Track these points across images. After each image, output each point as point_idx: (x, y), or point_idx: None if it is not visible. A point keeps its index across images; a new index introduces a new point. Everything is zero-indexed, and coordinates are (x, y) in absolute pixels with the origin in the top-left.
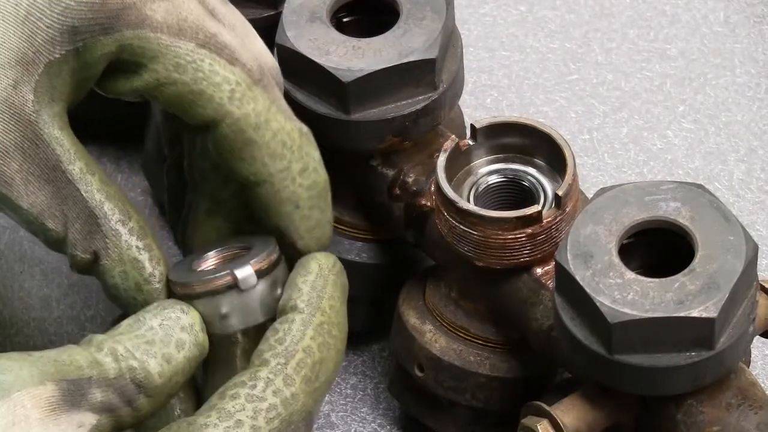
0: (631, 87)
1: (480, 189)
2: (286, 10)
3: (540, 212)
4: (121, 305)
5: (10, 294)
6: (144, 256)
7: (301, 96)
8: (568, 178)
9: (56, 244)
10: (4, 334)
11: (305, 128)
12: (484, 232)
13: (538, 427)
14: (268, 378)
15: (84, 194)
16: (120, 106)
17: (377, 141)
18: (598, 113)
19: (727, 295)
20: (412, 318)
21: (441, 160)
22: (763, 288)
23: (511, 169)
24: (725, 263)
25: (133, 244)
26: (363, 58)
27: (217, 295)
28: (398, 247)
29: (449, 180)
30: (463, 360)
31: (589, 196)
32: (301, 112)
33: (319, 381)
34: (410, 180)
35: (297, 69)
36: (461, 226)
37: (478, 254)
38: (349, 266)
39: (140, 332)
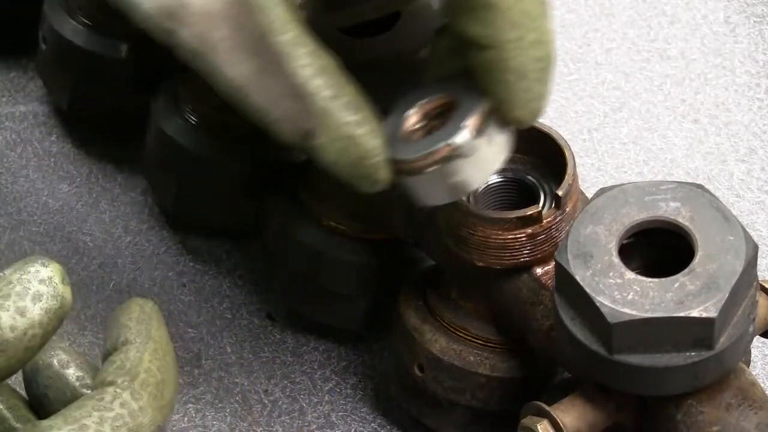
0: (631, 87)
1: (480, 189)
2: None
3: (540, 212)
4: (339, 178)
5: None
6: (360, 131)
7: None
8: (568, 178)
9: (256, 118)
10: None
11: None
12: (484, 232)
13: (538, 427)
14: (115, 392)
15: (292, 69)
16: (121, 103)
17: None
18: (598, 113)
19: (727, 295)
20: (412, 318)
21: None
22: (763, 288)
23: (511, 169)
24: (725, 263)
25: (348, 120)
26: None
27: (440, 166)
28: (398, 247)
29: None
30: (463, 360)
31: (589, 196)
32: None
33: (165, 399)
34: None
35: None
36: (461, 226)
37: (478, 254)
38: (349, 266)
39: None
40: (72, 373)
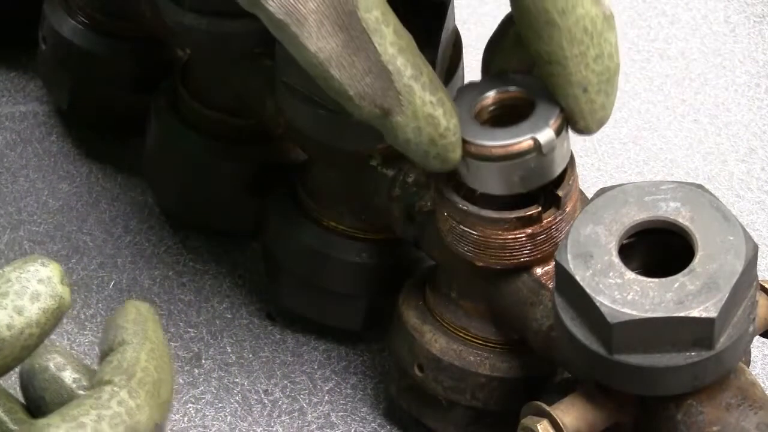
0: (631, 87)
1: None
2: None
3: (540, 212)
4: (409, 155)
5: None
6: (438, 111)
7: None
8: (568, 178)
9: (335, 93)
10: None
11: (609, 11)
12: (484, 232)
13: (538, 427)
14: (113, 390)
15: (377, 47)
16: (121, 103)
17: (377, 141)
18: None
19: (727, 295)
20: (412, 318)
21: None
22: (763, 288)
23: None
24: (725, 263)
25: (427, 100)
26: None
27: (516, 159)
28: (398, 247)
29: (449, 180)
30: (463, 360)
31: (589, 196)
32: (300, 110)
33: (162, 398)
34: (410, 180)
35: None
36: (461, 226)
37: (478, 254)
38: (349, 266)
39: None
40: (68, 375)
